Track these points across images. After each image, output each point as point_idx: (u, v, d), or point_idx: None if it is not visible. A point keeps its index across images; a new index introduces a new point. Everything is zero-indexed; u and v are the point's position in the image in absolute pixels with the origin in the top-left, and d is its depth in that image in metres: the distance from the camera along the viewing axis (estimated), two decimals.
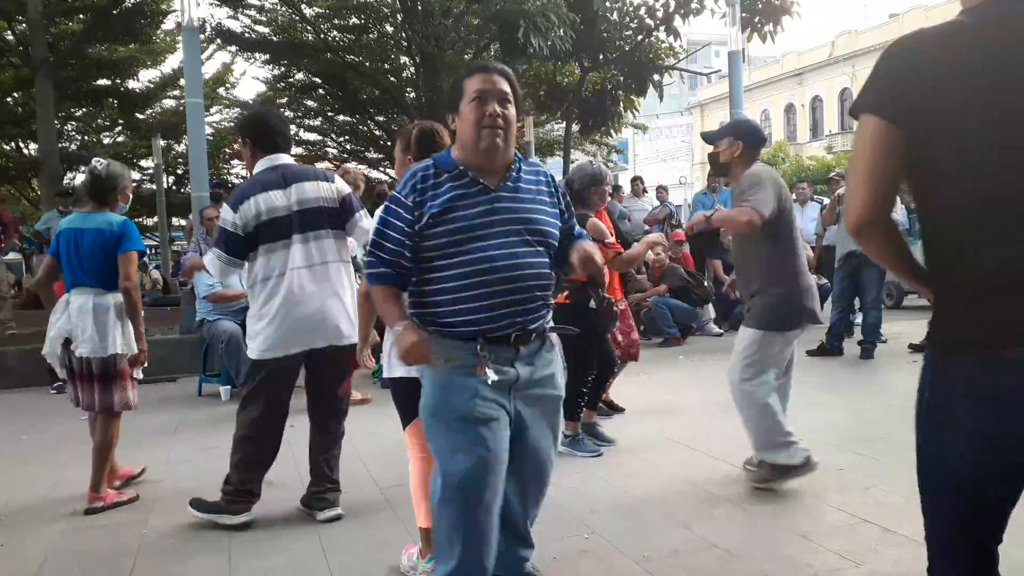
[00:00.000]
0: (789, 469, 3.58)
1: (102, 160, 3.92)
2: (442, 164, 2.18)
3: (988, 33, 1.41)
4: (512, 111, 2.19)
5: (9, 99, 16.52)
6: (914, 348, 7.30)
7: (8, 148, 19.02)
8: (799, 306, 3.59)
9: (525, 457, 2.26)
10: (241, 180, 17.30)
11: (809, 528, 3.17)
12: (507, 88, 2.17)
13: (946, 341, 1.49)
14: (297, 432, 5.17)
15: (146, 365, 3.99)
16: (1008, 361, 1.36)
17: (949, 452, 1.48)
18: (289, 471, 4.27)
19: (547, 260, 2.23)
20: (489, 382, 2.09)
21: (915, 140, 1.43)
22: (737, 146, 3.69)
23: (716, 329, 9.27)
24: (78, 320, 3.74)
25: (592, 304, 4.21)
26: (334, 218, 3.51)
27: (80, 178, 20.07)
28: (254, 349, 3.48)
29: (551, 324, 2.30)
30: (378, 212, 2.27)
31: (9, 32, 13.28)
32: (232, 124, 19.91)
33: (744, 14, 10.97)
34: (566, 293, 4.10)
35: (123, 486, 4.06)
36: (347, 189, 3.63)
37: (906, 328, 8.25)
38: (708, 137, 3.85)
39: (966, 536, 1.52)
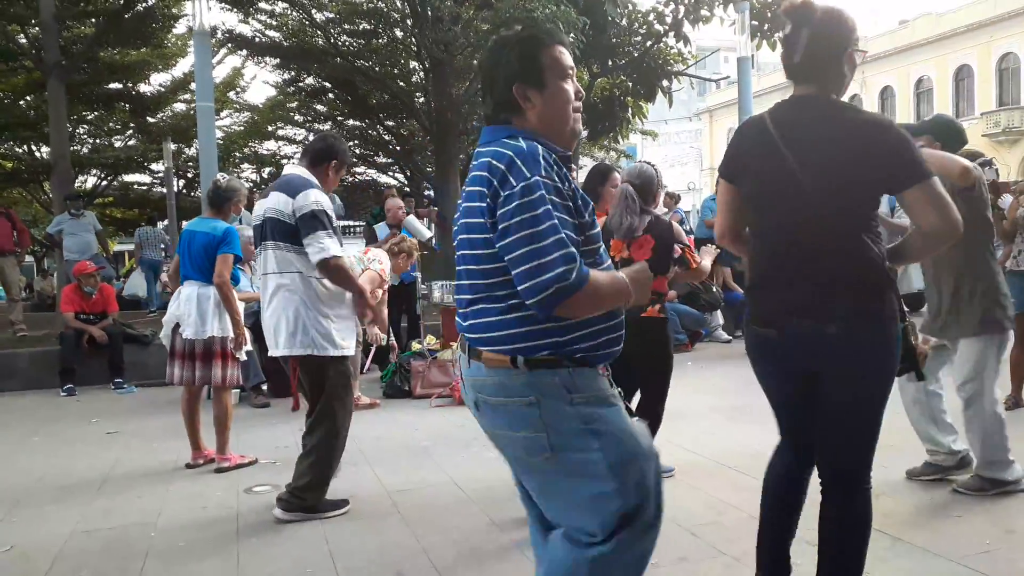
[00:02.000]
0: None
1: (224, 175, 4.67)
2: (551, 148, 1.82)
3: (767, 124, 2.22)
4: None
5: (22, 102, 16.64)
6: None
7: (20, 151, 19.15)
8: None
9: None
10: (250, 184, 17.32)
11: (816, 535, 3.15)
12: None
13: (746, 315, 2.39)
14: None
15: (246, 347, 4.57)
16: (757, 333, 2.32)
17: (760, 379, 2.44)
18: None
19: None
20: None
21: (739, 191, 2.35)
22: (935, 147, 3.54)
23: (725, 336, 9.25)
24: (185, 307, 4.40)
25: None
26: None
27: (91, 181, 20.25)
28: (342, 346, 3.59)
29: None
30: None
31: (22, 35, 13.37)
32: (243, 128, 20.03)
33: (754, 22, 10.97)
34: (658, 307, 3.82)
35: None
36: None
37: None
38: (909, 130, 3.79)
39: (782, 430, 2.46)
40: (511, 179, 1.69)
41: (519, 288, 1.68)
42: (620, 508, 1.76)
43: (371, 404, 6.11)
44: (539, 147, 1.73)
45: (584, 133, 15.21)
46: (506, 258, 1.69)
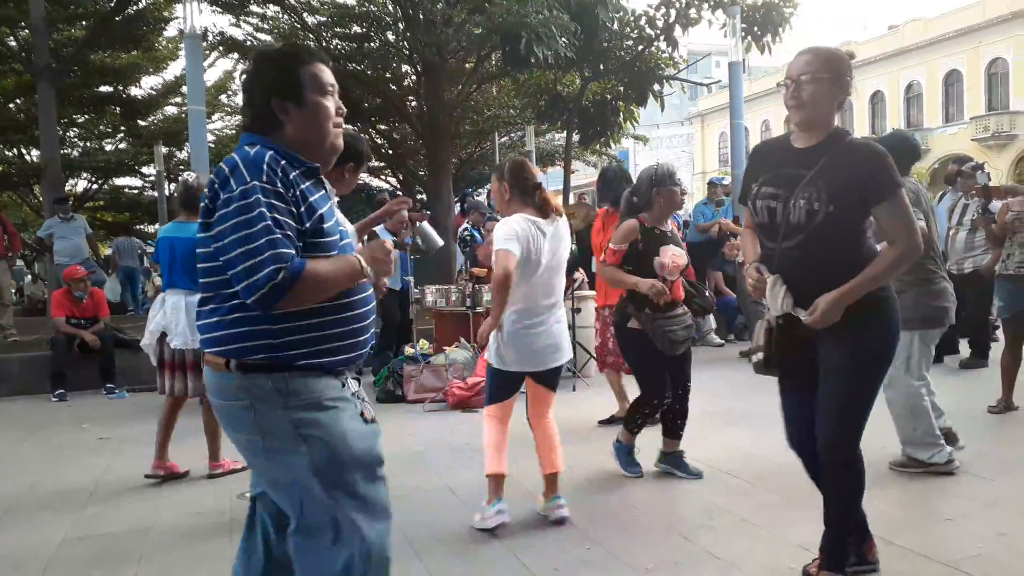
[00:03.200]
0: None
1: (193, 173, 4.49)
2: (298, 160, 1.90)
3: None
4: None
5: (11, 105, 16.55)
6: None
7: (10, 154, 19.03)
8: None
9: None
10: None
11: (810, 539, 3.16)
12: None
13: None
14: None
15: None
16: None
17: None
18: None
19: None
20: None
21: None
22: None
23: (717, 340, 9.27)
24: (172, 316, 4.32)
25: (633, 324, 3.98)
26: None
27: (82, 184, 20.12)
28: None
29: None
30: None
31: (11, 38, 13.30)
32: (234, 131, 19.96)
33: (743, 25, 11.02)
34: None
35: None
36: None
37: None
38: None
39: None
40: (231, 183, 1.76)
41: (237, 288, 1.74)
42: (325, 512, 1.83)
43: None
44: (268, 154, 1.79)
45: (576, 137, 15.26)
46: (222, 259, 1.76)
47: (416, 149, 17.44)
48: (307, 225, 1.80)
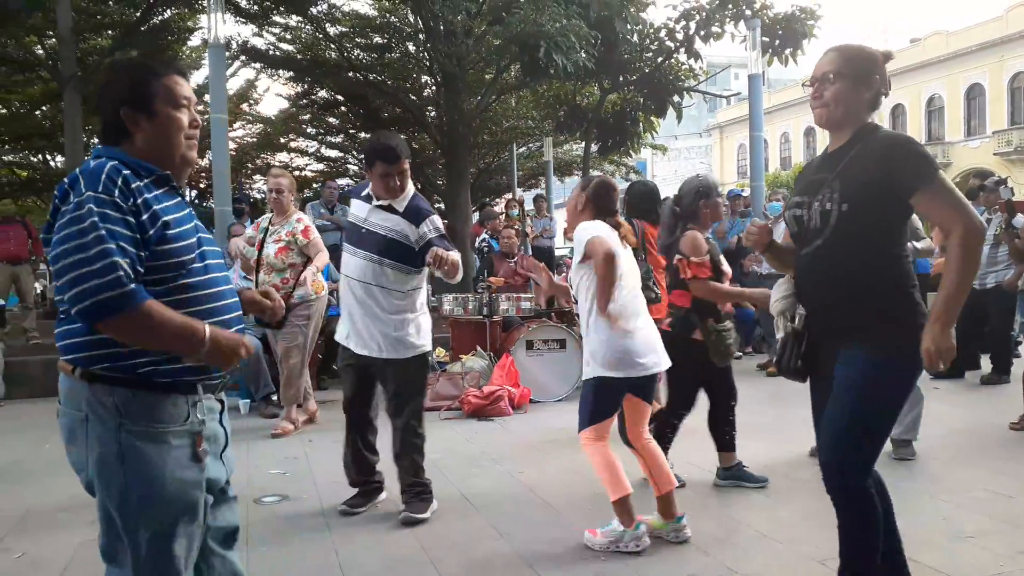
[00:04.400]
0: None
1: None
2: (147, 168, 1.88)
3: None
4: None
5: (37, 112, 16.82)
6: (934, 375, 7.22)
7: (36, 160, 19.33)
8: None
9: (232, 507, 2.14)
10: (262, 195, 17.41)
11: (829, 554, 3.13)
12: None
13: None
14: (315, 447, 5.20)
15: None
16: None
17: None
18: (307, 487, 4.30)
19: None
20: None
21: None
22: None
23: (735, 352, 9.20)
24: None
25: (697, 335, 3.94)
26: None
27: None
28: None
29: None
30: None
31: (39, 47, 13.53)
32: (255, 140, 20.16)
33: (764, 38, 11.00)
34: (669, 320, 3.90)
35: None
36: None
37: None
38: None
39: None
40: (71, 195, 1.75)
41: (65, 298, 1.70)
42: (123, 546, 1.82)
43: (309, 419, 6.03)
44: (109, 165, 1.77)
45: (594, 147, 15.27)
46: (54, 268, 1.72)
47: (435, 159, 17.53)
48: (150, 233, 1.77)
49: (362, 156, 20.22)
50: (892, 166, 2.24)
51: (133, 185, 1.78)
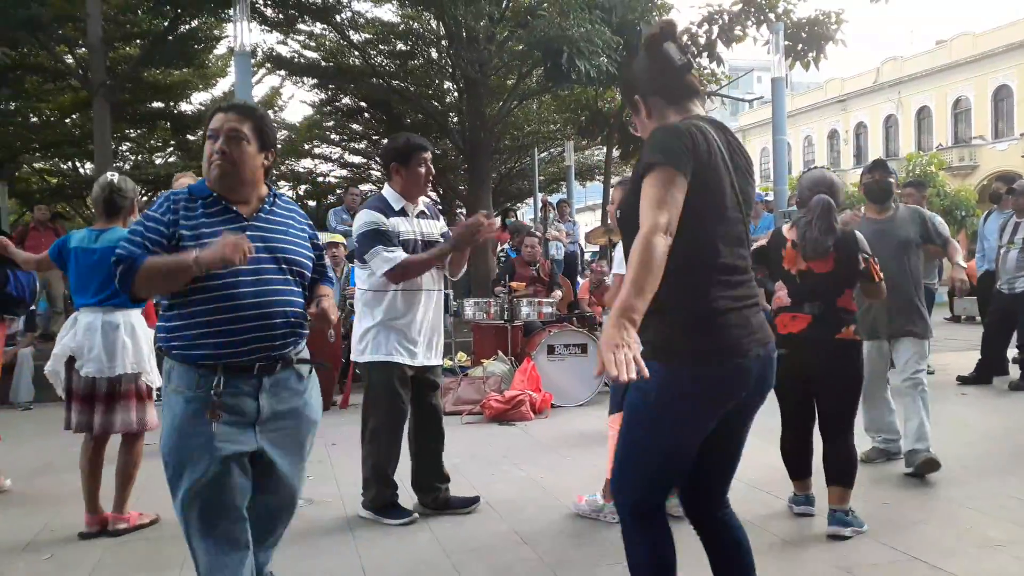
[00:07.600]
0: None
1: (115, 174, 3.70)
2: (196, 192, 2.35)
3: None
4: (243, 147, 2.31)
5: (68, 120, 17.13)
6: (962, 380, 7.12)
7: (65, 167, 19.67)
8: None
9: (276, 490, 2.39)
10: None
11: (855, 563, 3.11)
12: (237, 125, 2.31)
13: None
14: (337, 450, 5.23)
15: None
16: None
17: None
18: (330, 489, 4.33)
19: (299, 290, 2.38)
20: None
21: None
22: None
23: None
24: (85, 338, 3.60)
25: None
26: None
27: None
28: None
29: (303, 355, 2.41)
30: None
31: (69, 56, 13.78)
32: (280, 146, 20.33)
33: (787, 41, 10.92)
34: (853, 328, 3.45)
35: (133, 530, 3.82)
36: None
37: (954, 360, 8.06)
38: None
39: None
40: None
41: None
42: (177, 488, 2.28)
43: None
44: (168, 192, 2.40)
45: (616, 152, 15.26)
46: None
47: (457, 164, 17.60)
48: (172, 242, 2.25)
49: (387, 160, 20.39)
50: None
51: (182, 205, 2.30)
